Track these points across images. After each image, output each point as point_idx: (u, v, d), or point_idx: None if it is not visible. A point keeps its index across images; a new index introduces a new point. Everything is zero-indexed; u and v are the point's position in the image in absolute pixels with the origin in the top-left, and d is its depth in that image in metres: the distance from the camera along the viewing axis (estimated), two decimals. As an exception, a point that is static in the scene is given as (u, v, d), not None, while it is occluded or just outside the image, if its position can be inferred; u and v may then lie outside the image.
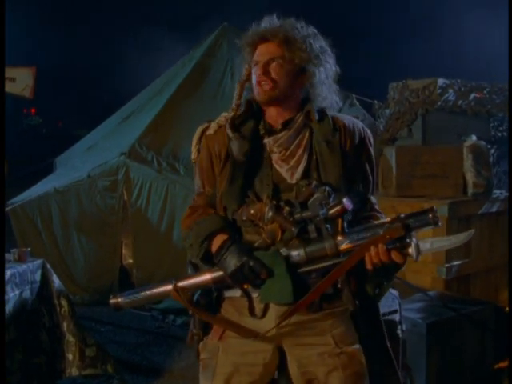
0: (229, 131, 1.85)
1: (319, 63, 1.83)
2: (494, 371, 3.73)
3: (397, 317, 2.35)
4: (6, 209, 5.34)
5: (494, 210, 4.39)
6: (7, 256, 3.42)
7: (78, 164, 5.63)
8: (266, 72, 1.79)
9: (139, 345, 4.36)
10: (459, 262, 4.17)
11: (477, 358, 3.67)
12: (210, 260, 1.81)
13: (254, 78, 1.82)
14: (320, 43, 1.86)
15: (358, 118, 3.30)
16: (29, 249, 3.50)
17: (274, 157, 1.83)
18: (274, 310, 1.78)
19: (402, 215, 1.63)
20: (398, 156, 4.30)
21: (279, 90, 1.80)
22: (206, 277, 1.78)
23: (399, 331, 2.30)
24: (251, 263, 1.68)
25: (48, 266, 3.50)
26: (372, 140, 1.95)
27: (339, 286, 1.75)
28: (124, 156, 5.05)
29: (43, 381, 3.39)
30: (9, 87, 5.09)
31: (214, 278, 1.76)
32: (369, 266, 1.65)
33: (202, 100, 5.44)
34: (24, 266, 3.33)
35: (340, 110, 5.90)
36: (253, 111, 1.89)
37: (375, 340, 1.88)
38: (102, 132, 6.17)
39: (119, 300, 1.85)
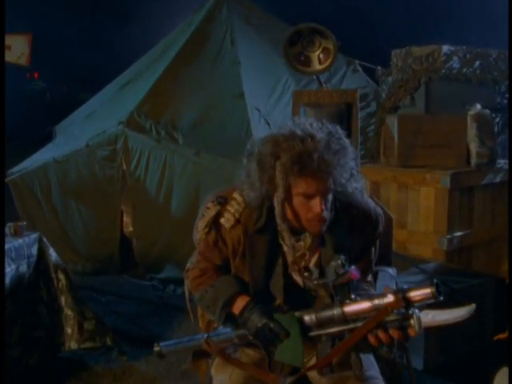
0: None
1: (347, 171, 1.82)
2: (493, 343, 3.73)
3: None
4: (6, 179, 5.33)
5: (497, 180, 4.32)
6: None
7: (77, 133, 5.56)
8: (323, 210, 1.78)
9: (139, 315, 4.36)
10: (461, 234, 4.13)
11: (476, 330, 3.67)
12: (229, 319, 1.94)
13: (303, 211, 1.79)
14: (346, 144, 1.82)
15: (356, 91, 3.21)
16: (25, 223, 3.47)
17: (290, 262, 1.91)
18: (289, 367, 1.92)
19: (405, 287, 1.66)
20: (400, 125, 4.22)
21: (328, 219, 1.83)
22: (232, 335, 1.93)
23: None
24: (271, 325, 1.80)
25: (44, 239, 3.48)
26: (383, 228, 2.01)
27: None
28: (122, 125, 4.97)
29: (43, 354, 3.42)
30: (5, 55, 4.99)
31: (238, 336, 1.92)
32: (374, 344, 1.70)
33: (201, 66, 5.32)
34: (20, 241, 3.31)
35: (343, 77, 5.80)
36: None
37: None
38: (100, 99, 6.08)
39: (161, 349, 1.98)
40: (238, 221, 1.89)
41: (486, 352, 3.62)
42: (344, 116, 2.92)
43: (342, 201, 1.88)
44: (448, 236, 4.03)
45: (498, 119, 4.54)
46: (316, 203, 1.76)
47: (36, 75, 19.51)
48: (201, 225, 1.97)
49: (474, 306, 1.68)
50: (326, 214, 1.79)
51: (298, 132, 1.74)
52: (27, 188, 5.31)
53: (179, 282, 4.67)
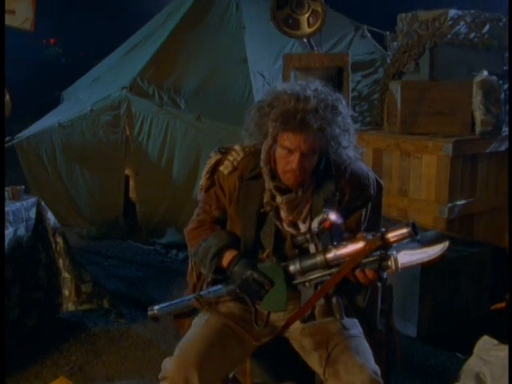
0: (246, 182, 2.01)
1: (337, 142, 1.92)
2: (490, 312, 3.72)
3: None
4: (13, 142, 5.37)
5: (502, 148, 4.25)
6: (1, 194, 3.44)
7: (83, 97, 5.56)
8: (301, 167, 1.88)
9: (140, 279, 4.41)
10: (463, 202, 4.09)
11: (473, 299, 3.65)
12: (220, 272, 2.02)
13: (283, 163, 1.91)
14: (341, 116, 1.90)
15: (348, 54, 3.15)
16: (23, 187, 3.49)
17: (282, 214, 2.00)
18: (272, 325, 2.02)
19: (383, 229, 1.76)
20: (403, 91, 4.16)
21: (306, 176, 1.94)
22: (222, 291, 2.02)
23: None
24: (255, 275, 1.89)
25: (43, 203, 3.51)
26: (376, 193, 2.11)
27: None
28: (126, 90, 4.97)
29: (42, 315, 3.48)
30: (8, 20, 4.93)
31: (228, 291, 2.00)
32: (352, 280, 1.82)
33: (205, 31, 5.25)
34: (18, 204, 3.34)
35: (350, 42, 5.69)
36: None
37: None
38: (106, 65, 6.06)
39: (155, 312, 2.09)
40: (235, 168, 2.03)
41: (483, 321, 3.62)
42: (334, 80, 2.86)
43: (336, 162, 2.00)
44: (449, 204, 3.99)
45: (505, 86, 4.41)
46: (294, 159, 1.87)
47: (52, 41, 19.45)
48: (204, 172, 2.12)
49: (447, 243, 1.73)
50: (301, 173, 1.90)
51: (297, 91, 1.87)
52: (33, 152, 5.34)
53: (181, 247, 4.72)
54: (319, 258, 1.83)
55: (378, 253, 1.75)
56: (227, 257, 1.98)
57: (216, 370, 1.91)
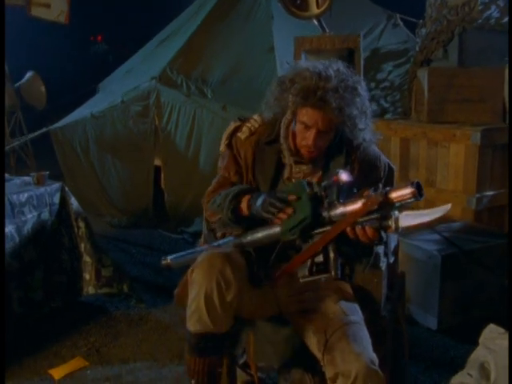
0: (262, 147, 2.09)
1: (353, 123, 1.97)
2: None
3: (381, 249, 2.25)
4: (47, 129, 5.52)
5: (535, 138, 4.09)
6: (27, 179, 3.54)
7: (115, 89, 5.67)
8: (316, 144, 1.96)
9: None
10: (492, 193, 3.96)
11: (497, 291, 3.53)
12: (237, 221, 2.05)
13: (299, 137, 1.99)
14: (359, 98, 1.96)
15: (359, 36, 3.05)
16: (47, 172, 3.58)
17: (285, 178, 2.08)
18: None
19: (388, 188, 1.75)
20: (430, 78, 4.06)
21: (320, 152, 2.02)
22: (230, 243, 2.06)
23: (382, 264, 2.21)
24: (271, 200, 1.90)
25: (66, 189, 3.59)
26: (387, 177, 2.13)
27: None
28: (155, 80, 5.02)
29: (64, 298, 3.56)
30: (44, 14, 5.11)
31: (236, 243, 2.04)
32: (351, 236, 1.80)
33: (235, 21, 5.26)
34: (42, 189, 3.43)
35: (382, 31, 5.57)
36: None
37: None
38: (139, 56, 6.14)
39: (169, 261, 2.13)
40: (252, 133, 2.12)
41: (507, 315, 3.50)
42: (345, 62, 2.80)
43: (351, 142, 2.06)
44: (477, 195, 3.88)
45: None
46: (310, 135, 1.95)
47: (99, 38, 19.84)
48: (223, 138, 2.22)
49: (449, 205, 1.75)
50: (316, 149, 1.98)
51: (319, 69, 1.94)
52: (67, 142, 5.48)
53: (209, 236, 4.73)
54: (323, 215, 1.84)
55: (380, 212, 1.74)
56: (245, 199, 2.02)
57: (242, 272, 1.93)
